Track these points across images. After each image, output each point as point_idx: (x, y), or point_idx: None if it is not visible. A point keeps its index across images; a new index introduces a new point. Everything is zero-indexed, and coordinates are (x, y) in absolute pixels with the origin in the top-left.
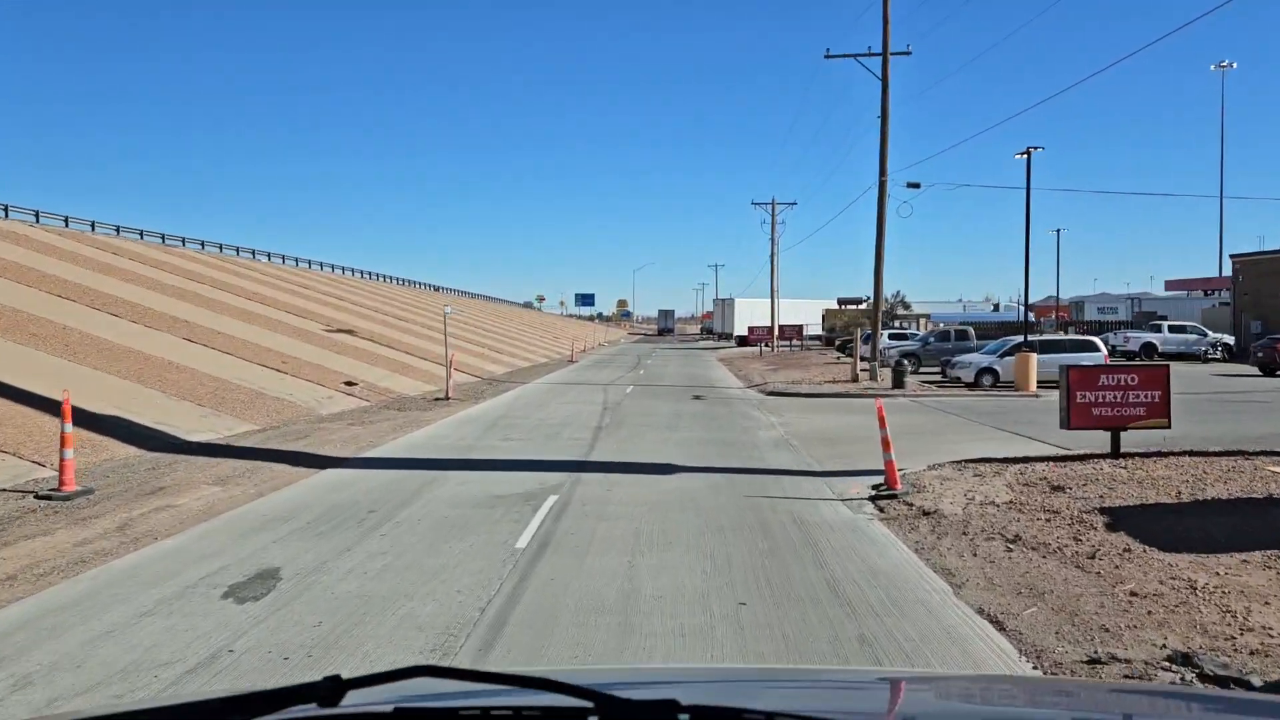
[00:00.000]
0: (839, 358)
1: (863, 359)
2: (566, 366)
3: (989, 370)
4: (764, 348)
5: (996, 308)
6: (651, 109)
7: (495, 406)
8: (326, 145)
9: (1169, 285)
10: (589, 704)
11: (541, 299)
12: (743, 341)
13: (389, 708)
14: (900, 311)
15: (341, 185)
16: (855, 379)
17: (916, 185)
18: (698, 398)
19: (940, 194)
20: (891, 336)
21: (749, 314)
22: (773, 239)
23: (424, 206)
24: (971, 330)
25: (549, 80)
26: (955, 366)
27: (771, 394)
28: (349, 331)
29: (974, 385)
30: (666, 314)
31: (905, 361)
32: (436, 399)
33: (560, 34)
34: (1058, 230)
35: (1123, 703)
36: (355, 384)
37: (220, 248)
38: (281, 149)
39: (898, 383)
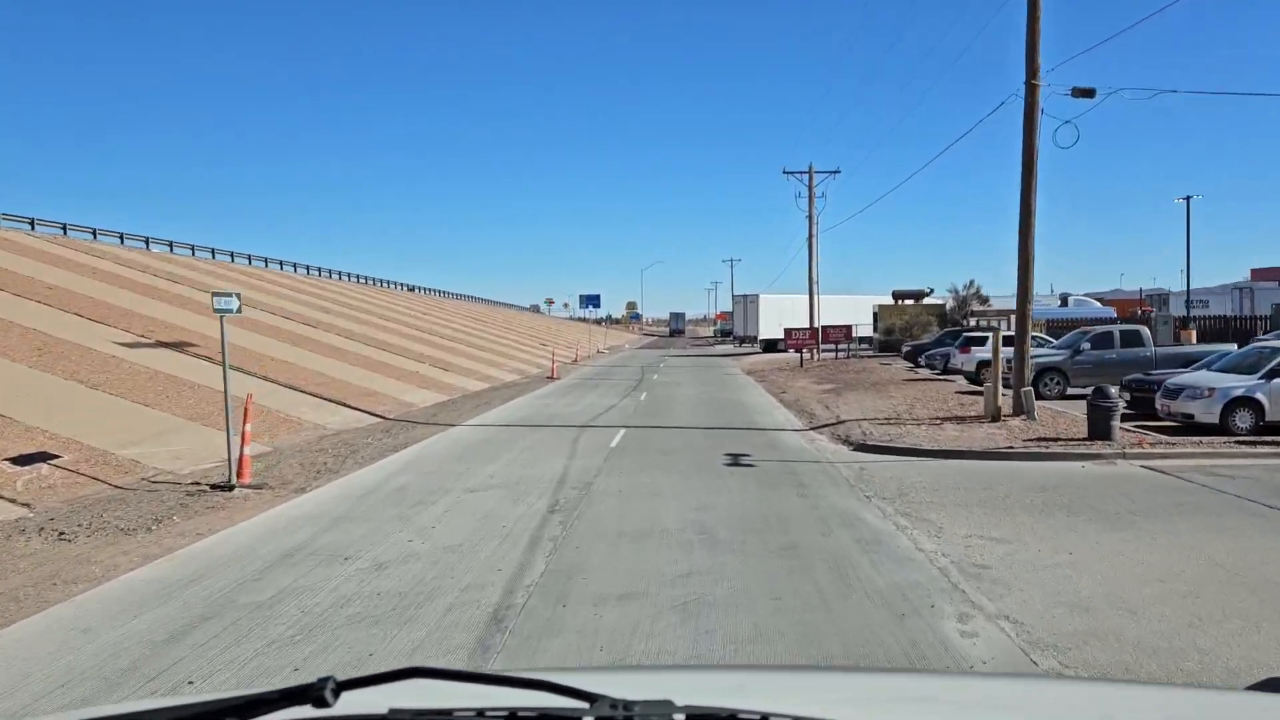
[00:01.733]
0: (913, 369)
1: (951, 372)
2: (541, 387)
3: (1247, 403)
4: (805, 355)
5: (1064, 301)
6: (660, 91)
7: (319, 509)
8: (328, 150)
9: (1255, 274)
10: (584, 705)
11: (550, 302)
12: (769, 346)
13: (383, 709)
14: (976, 307)
15: (335, 189)
16: (994, 416)
17: (1089, 93)
18: (737, 462)
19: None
20: (1005, 341)
21: (777, 313)
22: (810, 215)
23: (429, 212)
24: (1145, 331)
25: (548, 79)
26: (1181, 396)
27: (863, 449)
28: (177, 345)
29: (1222, 429)
30: (677, 316)
31: (1111, 393)
32: (216, 485)
33: (557, 26)
34: (1188, 198)
35: (1125, 700)
36: (46, 460)
37: (94, 234)
38: (280, 153)
39: (1100, 430)
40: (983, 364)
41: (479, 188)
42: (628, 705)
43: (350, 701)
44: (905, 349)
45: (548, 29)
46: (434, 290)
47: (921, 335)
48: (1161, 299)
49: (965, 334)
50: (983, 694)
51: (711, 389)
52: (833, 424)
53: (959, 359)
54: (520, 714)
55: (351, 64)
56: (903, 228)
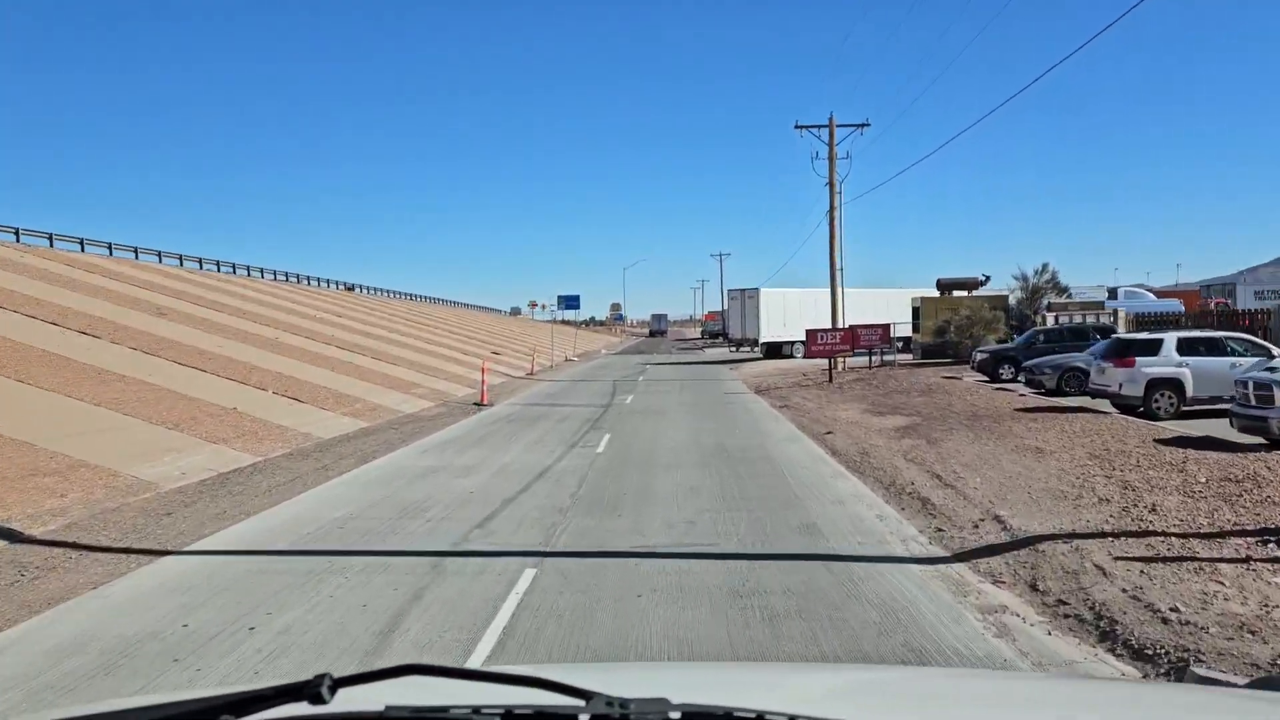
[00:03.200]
0: (996, 385)
1: (1079, 393)
2: (453, 424)
3: None
4: (833, 366)
5: (1113, 293)
6: (656, 89)
7: None
8: (320, 152)
9: None
10: (580, 703)
11: (534, 305)
12: (772, 351)
13: (379, 706)
14: (1053, 299)
15: (326, 195)
16: None
17: None
18: None
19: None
20: (1187, 347)
21: (782, 310)
22: (831, 182)
23: (421, 215)
24: None
25: (534, 78)
26: None
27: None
28: None
29: None
30: (659, 317)
31: None
32: None
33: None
34: None
35: (1119, 697)
36: None
37: None
38: (273, 157)
39: None
40: (1158, 383)
41: (471, 189)
42: (623, 703)
43: (346, 698)
44: (979, 356)
45: (541, 28)
46: (384, 290)
47: (985, 335)
48: (1228, 289)
49: (1117, 336)
50: (977, 690)
51: (714, 425)
52: (1006, 544)
53: (1114, 375)
54: (516, 711)
55: (348, 65)
56: (910, 222)
